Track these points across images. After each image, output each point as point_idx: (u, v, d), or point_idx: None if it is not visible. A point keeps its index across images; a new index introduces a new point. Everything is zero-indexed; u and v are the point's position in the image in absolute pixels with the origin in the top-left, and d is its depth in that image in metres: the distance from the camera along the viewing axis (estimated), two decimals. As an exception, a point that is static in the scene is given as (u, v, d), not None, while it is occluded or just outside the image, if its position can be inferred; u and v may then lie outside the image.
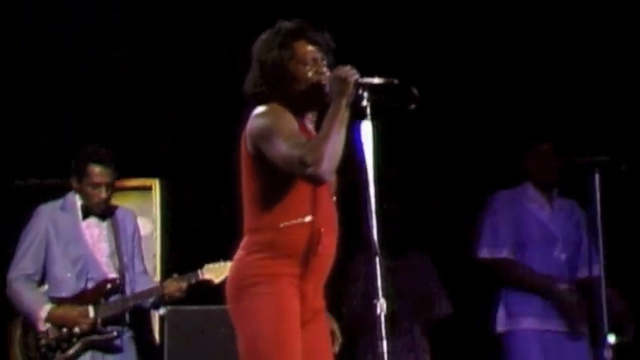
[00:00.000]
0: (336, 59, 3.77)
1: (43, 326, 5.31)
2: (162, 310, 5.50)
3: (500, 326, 5.58)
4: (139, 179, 6.64)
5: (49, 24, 6.45)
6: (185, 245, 6.44)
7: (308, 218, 3.66)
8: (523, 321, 5.52)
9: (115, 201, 5.68)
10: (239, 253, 3.74)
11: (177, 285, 5.38)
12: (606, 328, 4.80)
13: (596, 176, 4.79)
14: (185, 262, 5.61)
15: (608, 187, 4.83)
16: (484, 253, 5.61)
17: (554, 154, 5.52)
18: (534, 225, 5.58)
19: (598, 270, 4.86)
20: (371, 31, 6.37)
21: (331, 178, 3.76)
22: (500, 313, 5.59)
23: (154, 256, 6.57)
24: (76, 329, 5.31)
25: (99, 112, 6.48)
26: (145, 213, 6.55)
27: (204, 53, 6.51)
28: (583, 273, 5.51)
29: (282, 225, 3.66)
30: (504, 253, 5.58)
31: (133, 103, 6.60)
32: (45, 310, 5.32)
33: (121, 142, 6.00)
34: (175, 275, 5.45)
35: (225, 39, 6.27)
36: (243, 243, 3.74)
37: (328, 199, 3.77)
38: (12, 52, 6.30)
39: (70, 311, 5.31)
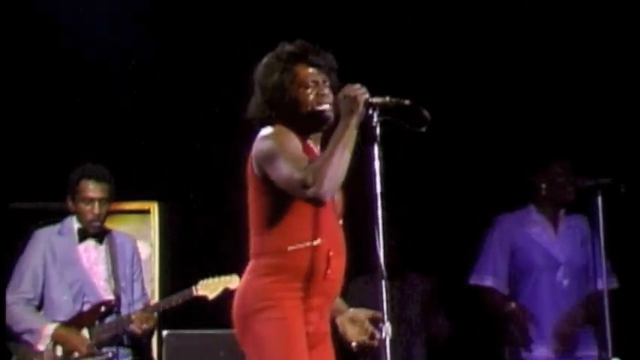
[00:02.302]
0: (344, 77, 3.75)
1: (43, 345, 5.27)
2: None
3: (509, 355, 5.54)
4: (138, 202, 6.60)
5: (49, 42, 6.45)
6: (184, 269, 6.36)
7: (316, 242, 3.63)
8: (532, 349, 5.46)
9: (113, 224, 5.66)
10: (245, 278, 3.71)
11: (143, 316, 5.35)
12: (610, 352, 4.82)
13: (599, 198, 4.84)
14: (184, 285, 5.56)
15: (611, 208, 4.87)
16: (472, 280, 5.59)
17: (572, 170, 5.46)
18: (536, 251, 5.53)
19: (601, 284, 4.88)
20: (381, 51, 6.39)
21: (337, 200, 3.75)
22: (507, 344, 5.55)
23: (152, 279, 6.49)
24: (75, 354, 5.29)
25: (97, 135, 6.47)
26: (144, 237, 6.49)
27: (204, 76, 6.50)
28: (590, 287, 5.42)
29: (289, 249, 3.63)
30: (488, 282, 5.54)
31: (131, 125, 6.56)
32: (50, 328, 5.30)
33: (119, 165, 5.93)
34: (147, 303, 5.45)
35: (225, 63, 6.25)
36: (249, 267, 3.71)
37: (335, 221, 3.74)
38: (11, 71, 6.26)
39: (76, 335, 5.29)
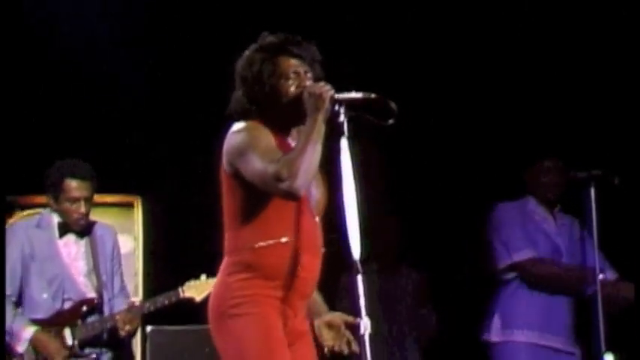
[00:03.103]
0: (331, 70, 3.71)
1: (22, 348, 5.17)
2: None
3: (495, 336, 5.46)
4: (121, 195, 6.56)
5: (37, 37, 6.40)
6: (168, 263, 6.34)
7: (284, 239, 3.59)
8: (518, 333, 5.40)
9: (95, 217, 5.53)
10: (219, 275, 3.69)
11: (129, 315, 5.24)
12: (603, 346, 4.78)
13: (592, 190, 4.83)
14: (168, 280, 5.52)
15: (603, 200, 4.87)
16: (506, 261, 5.43)
17: (560, 169, 5.42)
18: (542, 239, 5.47)
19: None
20: (371, 42, 6.37)
21: (317, 196, 3.70)
22: (495, 323, 5.46)
23: (136, 274, 6.47)
24: None
25: (80, 127, 6.41)
26: (127, 230, 6.47)
27: (189, 71, 6.47)
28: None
29: (257, 245, 3.59)
30: (528, 254, 5.41)
31: (115, 118, 6.50)
32: (29, 331, 5.19)
33: (102, 158, 5.89)
34: (135, 301, 5.36)
35: (210, 56, 6.16)
36: (222, 265, 3.68)
37: (310, 219, 3.68)
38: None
39: (54, 342, 5.19)
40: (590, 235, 4.95)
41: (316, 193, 3.70)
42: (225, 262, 3.66)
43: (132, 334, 5.35)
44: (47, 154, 5.87)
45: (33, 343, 5.18)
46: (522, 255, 5.40)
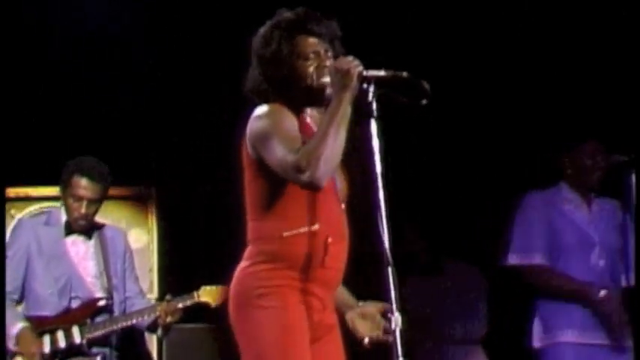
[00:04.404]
0: (346, 47, 3.56)
1: (12, 344, 5.05)
2: (159, 332, 5.25)
3: (537, 341, 5.27)
4: (135, 187, 6.45)
5: (46, 30, 6.34)
6: (183, 258, 6.27)
7: (314, 227, 3.47)
8: (560, 334, 5.20)
9: (109, 210, 5.49)
10: (242, 264, 3.55)
11: (171, 306, 5.12)
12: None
13: (633, 176, 4.70)
14: (183, 275, 5.46)
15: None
16: (514, 260, 5.28)
17: (603, 152, 5.22)
18: (570, 229, 5.27)
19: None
20: (394, 18, 6.26)
21: (339, 183, 3.58)
22: (537, 327, 5.28)
23: (151, 269, 6.35)
24: None
25: (95, 117, 6.34)
26: (141, 224, 6.37)
27: (201, 58, 6.39)
28: (622, 282, 5.25)
29: (285, 234, 3.46)
30: (537, 259, 5.24)
31: (129, 108, 6.40)
32: (17, 327, 5.05)
33: (116, 148, 5.84)
34: (169, 297, 5.22)
35: (221, 43, 6.10)
36: (246, 253, 3.55)
37: (336, 206, 3.56)
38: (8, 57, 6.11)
39: (36, 345, 5.05)
40: (631, 221, 4.83)
41: (338, 181, 3.57)
42: (249, 250, 3.54)
43: (169, 328, 5.19)
44: (63, 145, 5.87)
45: (17, 338, 5.04)
46: (530, 259, 5.24)
